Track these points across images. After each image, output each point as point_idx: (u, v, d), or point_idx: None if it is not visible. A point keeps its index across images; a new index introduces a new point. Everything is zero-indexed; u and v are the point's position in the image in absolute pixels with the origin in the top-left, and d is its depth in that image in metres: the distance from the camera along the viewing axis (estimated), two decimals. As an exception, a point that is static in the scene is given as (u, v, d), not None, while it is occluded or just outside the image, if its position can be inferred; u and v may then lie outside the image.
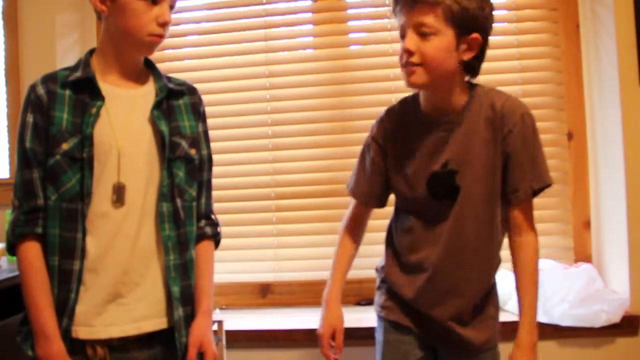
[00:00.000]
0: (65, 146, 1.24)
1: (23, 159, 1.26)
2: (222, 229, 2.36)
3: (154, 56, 2.30)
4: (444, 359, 1.45)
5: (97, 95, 1.27)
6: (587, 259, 2.05)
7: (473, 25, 1.26)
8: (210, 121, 2.24)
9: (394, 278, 1.45)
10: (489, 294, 1.42)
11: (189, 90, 1.43)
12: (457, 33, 1.26)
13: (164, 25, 1.27)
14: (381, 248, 1.55)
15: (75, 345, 1.24)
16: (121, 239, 1.26)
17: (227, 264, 2.21)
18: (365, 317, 1.96)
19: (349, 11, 2.23)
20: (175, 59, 2.31)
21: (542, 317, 1.83)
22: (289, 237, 2.20)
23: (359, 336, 1.87)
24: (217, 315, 1.97)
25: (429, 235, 1.38)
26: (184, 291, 1.32)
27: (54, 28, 2.14)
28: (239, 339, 1.93)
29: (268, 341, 1.94)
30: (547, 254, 2.05)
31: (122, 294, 1.27)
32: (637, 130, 1.84)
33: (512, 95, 1.36)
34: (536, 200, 2.01)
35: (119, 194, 1.26)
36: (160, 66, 2.28)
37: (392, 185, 1.44)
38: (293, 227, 2.21)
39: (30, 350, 1.24)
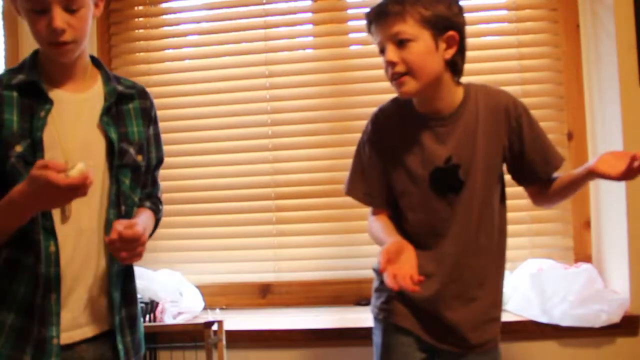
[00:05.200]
0: (18, 148, 1.20)
1: None
2: (223, 229, 2.37)
3: (155, 56, 2.33)
4: None
5: (44, 98, 1.24)
6: (587, 259, 2.04)
7: (446, 24, 1.31)
8: (210, 121, 2.27)
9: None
10: (497, 296, 1.43)
11: (139, 94, 1.39)
12: (433, 34, 1.30)
13: (55, 32, 1.17)
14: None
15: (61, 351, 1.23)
16: (72, 246, 1.24)
17: (227, 264, 2.22)
18: (365, 317, 1.95)
19: (349, 11, 2.23)
20: (175, 59, 2.31)
21: (542, 317, 1.83)
22: (289, 237, 2.20)
23: (359, 336, 1.87)
24: (217, 315, 1.97)
25: (436, 232, 1.39)
26: (125, 294, 1.32)
27: (54, 28, 2.14)
28: (239, 339, 1.93)
29: (268, 341, 1.94)
30: (547, 254, 2.05)
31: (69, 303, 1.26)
32: (637, 130, 1.84)
33: (499, 87, 1.43)
34: (536, 200, 2.03)
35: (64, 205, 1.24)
36: (160, 66, 2.33)
37: (393, 182, 1.44)
38: (293, 227, 2.20)
39: None
